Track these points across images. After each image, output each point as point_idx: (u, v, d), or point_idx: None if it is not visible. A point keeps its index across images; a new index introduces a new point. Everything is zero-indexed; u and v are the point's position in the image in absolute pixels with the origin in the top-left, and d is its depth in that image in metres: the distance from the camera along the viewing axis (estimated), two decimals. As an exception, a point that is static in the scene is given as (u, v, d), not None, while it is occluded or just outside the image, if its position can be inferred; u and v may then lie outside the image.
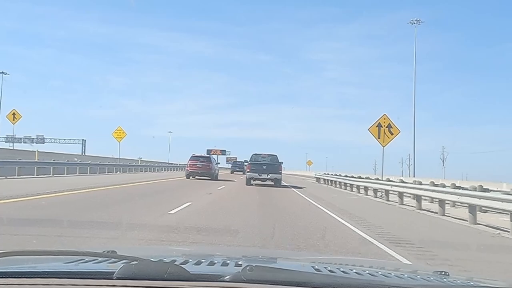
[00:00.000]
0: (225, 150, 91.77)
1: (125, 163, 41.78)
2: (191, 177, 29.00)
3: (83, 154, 58.21)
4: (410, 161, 73.78)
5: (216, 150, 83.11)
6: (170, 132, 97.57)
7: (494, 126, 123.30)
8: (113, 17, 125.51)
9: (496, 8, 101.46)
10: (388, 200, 17.72)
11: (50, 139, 68.12)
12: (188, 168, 29.41)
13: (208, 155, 34.88)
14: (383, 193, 18.74)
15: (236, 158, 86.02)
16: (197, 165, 28.96)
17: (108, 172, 33.98)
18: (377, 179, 22.71)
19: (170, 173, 45.53)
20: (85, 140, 68.93)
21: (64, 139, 69.21)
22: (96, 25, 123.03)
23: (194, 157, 30.16)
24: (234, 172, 53.73)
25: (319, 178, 38.19)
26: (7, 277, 1.37)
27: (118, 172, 35.61)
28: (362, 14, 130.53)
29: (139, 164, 50.00)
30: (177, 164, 65.83)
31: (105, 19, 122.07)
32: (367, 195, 20.80)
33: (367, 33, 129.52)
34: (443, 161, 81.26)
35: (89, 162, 33.51)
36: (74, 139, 69.81)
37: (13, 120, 32.53)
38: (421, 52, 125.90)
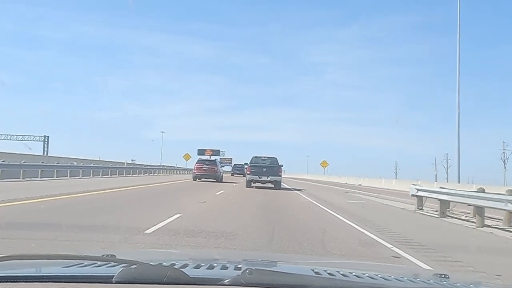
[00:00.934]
0: (219, 150, 79.70)
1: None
2: (197, 179, 30.54)
3: (45, 154, 48.66)
4: (449, 162, 61.16)
5: (208, 150, 73.81)
6: (163, 132, 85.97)
7: (488, 128, 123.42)
8: (112, 19, 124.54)
9: (495, 9, 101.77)
10: None
11: (6, 135, 58.27)
12: (195, 171, 31.28)
13: (214, 159, 36.28)
14: None
15: (231, 159, 79.41)
16: (204, 168, 30.89)
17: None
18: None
19: (166, 176, 43.00)
20: (48, 136, 58.31)
21: (23, 136, 58.82)
22: (95, 27, 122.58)
23: (201, 161, 32.82)
24: (235, 175, 54.05)
25: (443, 199, 12.76)
26: (6, 282, 1.36)
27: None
28: (362, 17, 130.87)
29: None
30: (169, 167, 61.03)
31: (104, 21, 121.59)
32: None
33: (366, 35, 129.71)
34: (504, 162, 64.17)
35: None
36: (35, 136, 59.14)
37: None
38: (420, 54, 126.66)
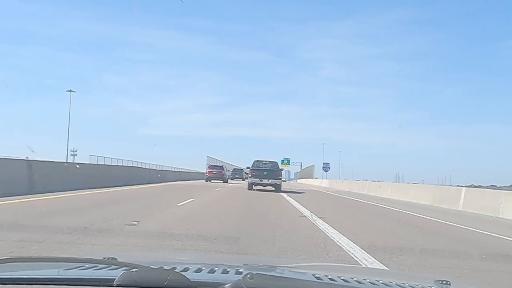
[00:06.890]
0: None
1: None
2: (209, 181, 38.54)
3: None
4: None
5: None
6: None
7: (487, 124, 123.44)
8: (106, 15, 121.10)
9: (492, 7, 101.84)
10: None
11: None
12: (207, 174, 40.99)
13: (221, 165, 44.52)
14: None
15: None
16: (214, 172, 40.80)
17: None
18: None
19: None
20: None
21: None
22: (90, 23, 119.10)
23: (211, 166, 43.21)
24: (234, 179, 53.58)
25: None
26: (7, 284, 1.37)
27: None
28: (357, 13, 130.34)
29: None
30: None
31: (99, 17, 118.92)
32: None
33: (362, 31, 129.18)
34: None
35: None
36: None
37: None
38: (417, 51, 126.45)
